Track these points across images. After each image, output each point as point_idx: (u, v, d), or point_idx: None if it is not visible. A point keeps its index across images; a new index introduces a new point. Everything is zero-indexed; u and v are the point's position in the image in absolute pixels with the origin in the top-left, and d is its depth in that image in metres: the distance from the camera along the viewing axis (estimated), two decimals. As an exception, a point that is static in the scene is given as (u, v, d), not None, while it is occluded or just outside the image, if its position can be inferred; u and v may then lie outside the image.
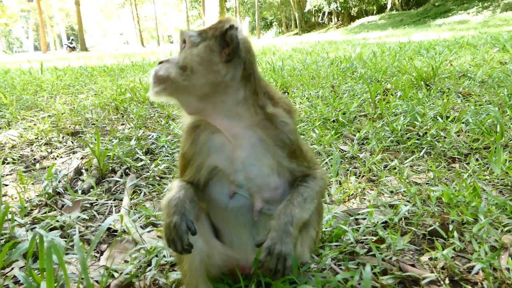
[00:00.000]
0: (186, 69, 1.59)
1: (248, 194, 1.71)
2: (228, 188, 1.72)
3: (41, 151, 4.28)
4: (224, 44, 1.58)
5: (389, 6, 51.58)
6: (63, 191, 3.20)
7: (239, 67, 1.61)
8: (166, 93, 1.64)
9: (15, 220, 2.61)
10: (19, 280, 2.02)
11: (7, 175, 3.65)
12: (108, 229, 2.64)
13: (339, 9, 52.18)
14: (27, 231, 2.56)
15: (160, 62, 1.66)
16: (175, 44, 71.82)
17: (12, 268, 2.23)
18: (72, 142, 4.51)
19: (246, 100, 1.63)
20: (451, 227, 2.33)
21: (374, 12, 53.49)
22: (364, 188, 3.03)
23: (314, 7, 53.02)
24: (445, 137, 3.84)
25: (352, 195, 2.96)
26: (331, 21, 57.70)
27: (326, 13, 56.72)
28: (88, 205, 3.01)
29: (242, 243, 1.82)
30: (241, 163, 1.67)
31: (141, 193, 3.13)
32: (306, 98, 5.78)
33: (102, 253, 2.41)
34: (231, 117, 1.64)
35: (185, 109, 1.68)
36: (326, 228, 2.40)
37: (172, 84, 1.60)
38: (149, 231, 2.56)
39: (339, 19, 56.76)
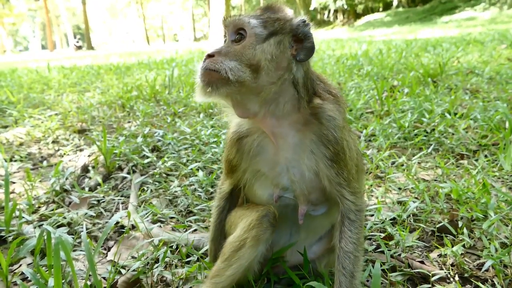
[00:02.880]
0: (257, 69, 1.41)
1: (293, 196, 1.65)
2: (272, 190, 1.66)
3: (48, 148, 4.30)
4: (294, 38, 1.47)
5: (395, 3, 51.27)
6: (70, 188, 3.21)
7: (306, 64, 1.52)
8: (222, 94, 1.44)
9: (23, 217, 2.62)
10: (27, 277, 2.03)
11: (14, 172, 3.66)
12: (115, 225, 2.65)
13: (345, 6, 51.97)
14: (35, 228, 2.57)
15: (210, 56, 1.44)
16: (180, 42, 71.93)
17: (20, 265, 2.24)
18: (79, 140, 4.52)
19: (296, 96, 1.51)
20: (460, 223, 2.31)
21: (380, 9, 53.19)
22: (371, 185, 3.01)
23: (320, 4, 52.85)
24: (453, 134, 3.81)
25: (359, 192, 2.94)
26: (337, 19, 57.48)
27: (332, 11, 56.51)
28: (95, 202, 3.02)
29: (279, 239, 1.80)
30: (284, 165, 1.59)
31: (147, 190, 3.13)
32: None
33: (109, 249, 2.41)
34: (278, 116, 1.52)
35: (240, 111, 1.52)
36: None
37: (236, 85, 1.40)
38: (159, 226, 2.57)
39: (345, 16, 56.52)
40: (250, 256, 1.62)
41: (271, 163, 1.62)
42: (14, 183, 3.41)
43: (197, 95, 1.46)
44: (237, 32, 1.47)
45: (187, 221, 2.62)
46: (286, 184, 1.62)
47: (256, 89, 1.45)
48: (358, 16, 54.24)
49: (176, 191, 3.08)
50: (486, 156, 3.36)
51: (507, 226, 2.30)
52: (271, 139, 1.58)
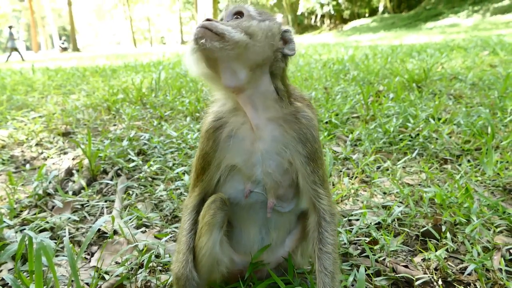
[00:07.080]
0: (252, 36, 1.49)
1: (263, 190, 1.68)
2: (243, 185, 1.69)
3: (32, 151, 4.23)
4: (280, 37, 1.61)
5: (381, 9, 51.94)
6: (53, 192, 3.16)
7: (285, 66, 1.65)
8: (215, 52, 1.46)
9: (4, 222, 2.56)
10: (8, 283, 1.99)
11: (-4, 176, 3.60)
12: (99, 230, 2.61)
13: (332, 11, 52.45)
14: (16, 232, 2.52)
15: (208, 20, 1.50)
16: (168, 45, 71.63)
17: (1, 270, 2.19)
18: (63, 143, 4.46)
19: (276, 92, 1.61)
20: (443, 228, 2.34)
21: (366, 15, 53.84)
22: (357, 189, 3.03)
23: (307, 9, 53.27)
24: (437, 139, 3.86)
25: (345, 196, 2.96)
26: (324, 23, 57.96)
27: (319, 16, 56.98)
28: (79, 206, 2.97)
29: (250, 240, 1.81)
30: (260, 156, 1.63)
31: (133, 194, 3.10)
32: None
33: (92, 255, 2.37)
34: (258, 106, 1.59)
35: (228, 78, 1.53)
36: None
37: (231, 44, 1.44)
38: (143, 232, 2.54)
39: (332, 21, 57.03)
40: (208, 243, 1.66)
41: (247, 153, 1.64)
42: (-5, 186, 3.34)
43: (188, 53, 1.51)
44: (234, 14, 1.60)
45: (172, 227, 2.60)
46: (259, 176, 1.66)
47: (250, 54, 1.50)
48: (344, 21, 54.81)
49: (161, 195, 3.05)
50: (469, 161, 3.41)
51: (489, 230, 2.34)
52: (252, 128, 1.62)
